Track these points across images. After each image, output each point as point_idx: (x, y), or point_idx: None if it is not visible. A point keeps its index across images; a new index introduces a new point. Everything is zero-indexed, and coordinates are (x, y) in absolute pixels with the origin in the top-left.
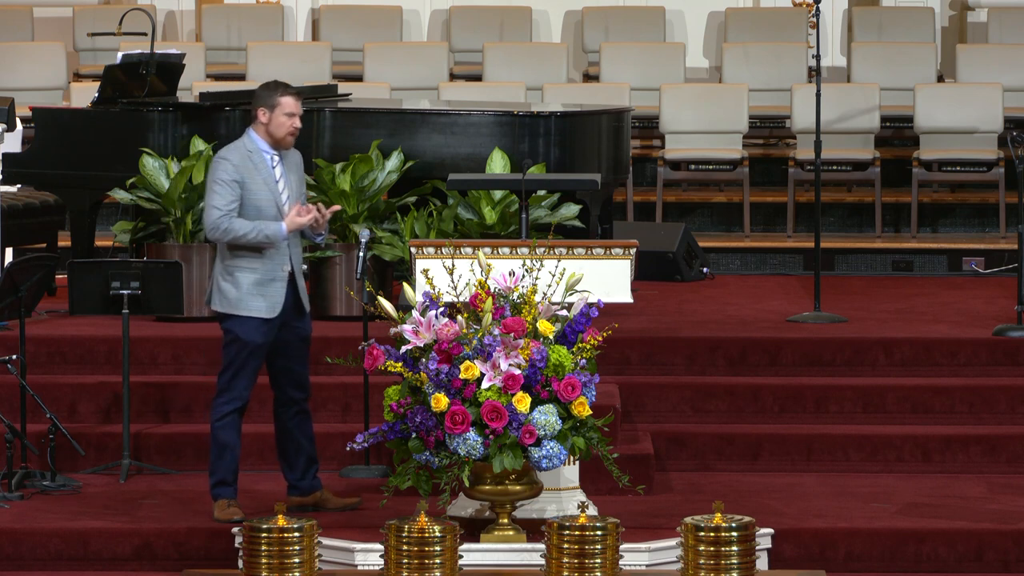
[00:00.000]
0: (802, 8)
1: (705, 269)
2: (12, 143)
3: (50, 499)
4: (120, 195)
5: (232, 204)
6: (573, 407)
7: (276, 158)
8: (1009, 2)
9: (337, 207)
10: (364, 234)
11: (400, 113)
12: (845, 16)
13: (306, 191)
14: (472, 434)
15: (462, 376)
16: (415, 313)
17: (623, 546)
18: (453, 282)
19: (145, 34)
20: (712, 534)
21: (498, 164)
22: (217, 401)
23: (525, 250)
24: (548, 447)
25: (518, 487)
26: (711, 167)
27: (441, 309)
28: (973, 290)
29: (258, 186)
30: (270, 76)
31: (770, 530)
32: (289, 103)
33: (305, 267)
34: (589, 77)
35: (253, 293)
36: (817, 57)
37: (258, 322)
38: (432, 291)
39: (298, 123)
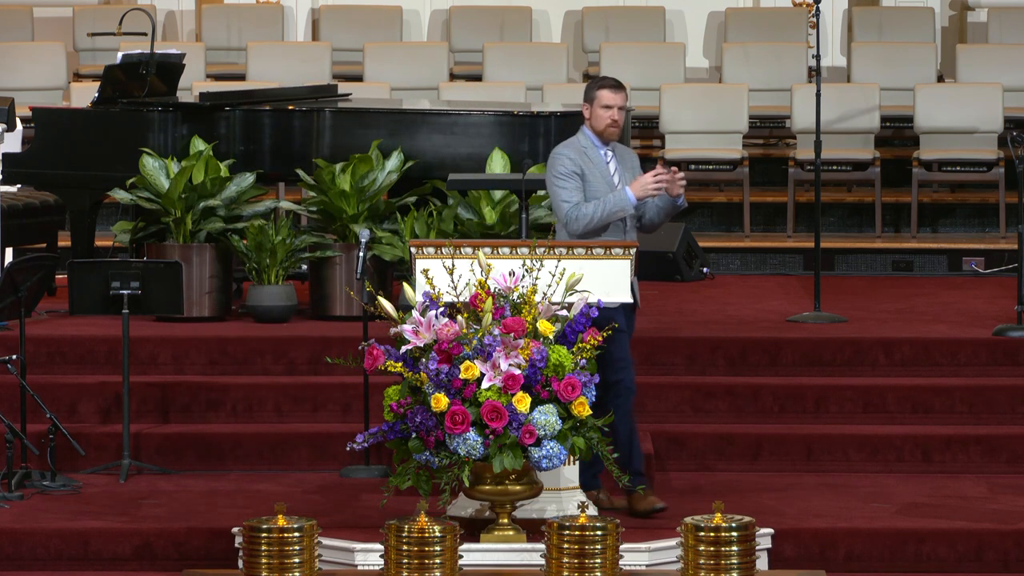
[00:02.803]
0: (802, 8)
1: (705, 269)
2: (12, 143)
3: (50, 499)
4: (120, 195)
5: (577, 195)
6: (573, 407)
7: (610, 154)
8: (1009, 2)
9: (680, 174)
10: (364, 234)
11: (400, 113)
12: (845, 16)
13: None
14: (472, 434)
15: (462, 376)
16: (415, 313)
17: (623, 546)
18: (453, 282)
19: (145, 34)
20: (712, 534)
21: (498, 164)
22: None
23: (525, 250)
24: (548, 447)
25: (518, 487)
26: (711, 167)
27: (441, 309)
28: (973, 290)
29: (595, 179)
30: (270, 76)
31: (770, 530)
32: (605, 95)
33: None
34: (589, 77)
35: None
36: (817, 57)
37: (624, 308)
38: (432, 291)
39: (616, 115)
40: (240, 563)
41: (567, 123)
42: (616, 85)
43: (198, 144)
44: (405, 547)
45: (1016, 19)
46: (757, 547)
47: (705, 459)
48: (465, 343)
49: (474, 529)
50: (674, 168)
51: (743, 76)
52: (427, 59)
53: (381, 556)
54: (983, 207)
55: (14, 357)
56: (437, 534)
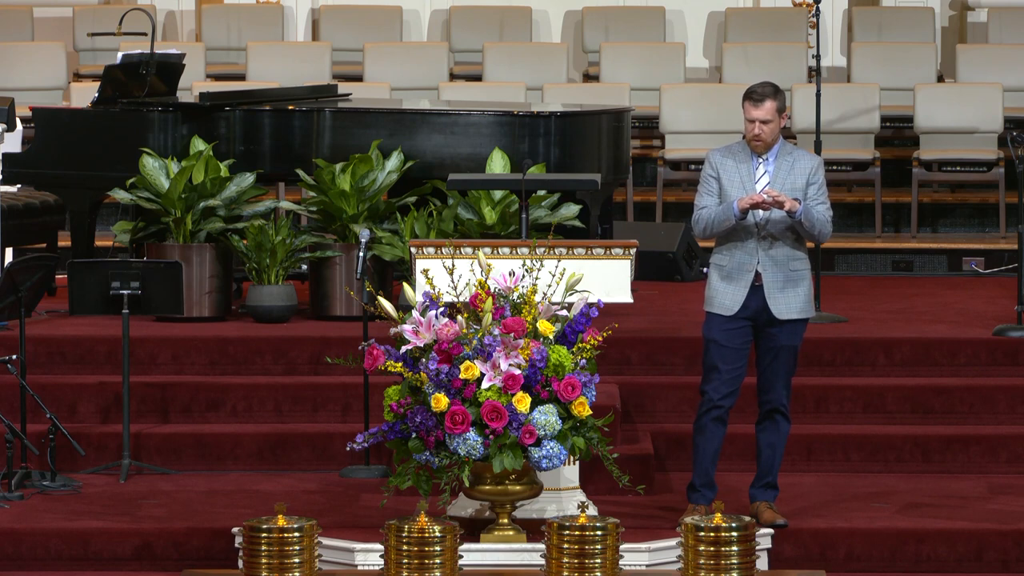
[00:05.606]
0: (802, 8)
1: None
2: (12, 143)
3: (50, 499)
4: (120, 195)
5: (708, 199)
6: (573, 407)
7: (761, 162)
8: (1009, 2)
9: (782, 198)
10: (364, 234)
11: (400, 113)
12: (845, 16)
13: (801, 198)
14: (472, 434)
15: (462, 376)
16: (415, 313)
17: (623, 546)
18: (453, 282)
19: (145, 34)
20: (712, 534)
21: (498, 164)
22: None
23: (525, 250)
24: (548, 447)
25: (518, 487)
26: None
27: (441, 309)
28: (973, 290)
29: (732, 184)
30: (270, 76)
31: (770, 530)
32: (745, 108)
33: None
34: (589, 77)
35: (717, 289)
36: (817, 57)
37: (719, 319)
38: (432, 291)
39: (757, 129)
40: (240, 563)
41: (567, 123)
42: (758, 98)
43: (198, 144)
44: (405, 547)
45: (1016, 19)
46: (757, 547)
47: None
48: (465, 343)
49: (474, 529)
50: (773, 194)
51: (743, 76)
52: (427, 59)
53: (381, 556)
54: (983, 207)
55: (14, 357)
56: (437, 534)
